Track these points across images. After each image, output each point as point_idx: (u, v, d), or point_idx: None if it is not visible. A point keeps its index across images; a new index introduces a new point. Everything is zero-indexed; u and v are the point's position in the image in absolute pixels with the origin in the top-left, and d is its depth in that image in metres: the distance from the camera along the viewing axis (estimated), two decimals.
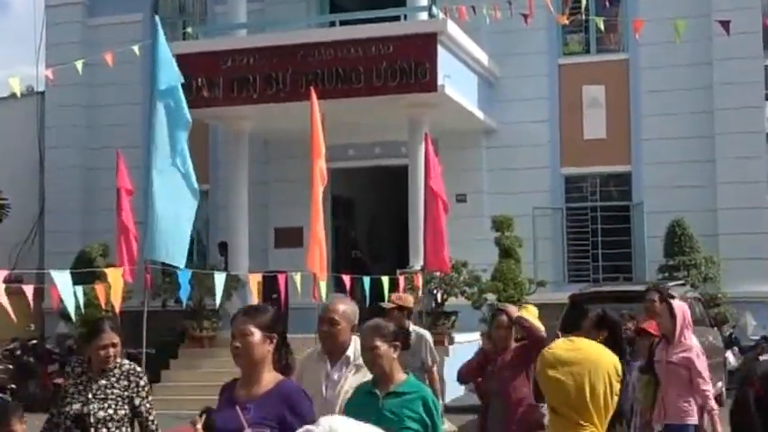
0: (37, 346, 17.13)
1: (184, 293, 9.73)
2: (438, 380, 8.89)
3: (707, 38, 18.03)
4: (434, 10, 17.14)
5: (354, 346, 5.17)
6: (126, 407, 5.67)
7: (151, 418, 5.79)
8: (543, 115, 19.55)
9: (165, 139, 8.71)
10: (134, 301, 12.34)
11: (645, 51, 18.84)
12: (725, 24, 12.84)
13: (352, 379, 5.13)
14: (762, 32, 17.75)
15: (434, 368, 8.80)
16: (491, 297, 16.16)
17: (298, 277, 11.71)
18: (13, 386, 16.00)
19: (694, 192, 18.48)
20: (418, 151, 16.01)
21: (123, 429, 5.68)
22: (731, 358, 15.80)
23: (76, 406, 5.62)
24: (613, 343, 6.72)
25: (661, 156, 18.70)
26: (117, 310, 9.32)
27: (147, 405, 5.77)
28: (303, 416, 4.06)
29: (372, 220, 22.84)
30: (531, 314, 7.20)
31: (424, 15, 17.44)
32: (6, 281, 7.60)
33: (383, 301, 9.88)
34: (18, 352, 16.75)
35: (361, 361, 5.00)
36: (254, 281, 11.22)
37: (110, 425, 5.62)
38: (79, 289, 8.46)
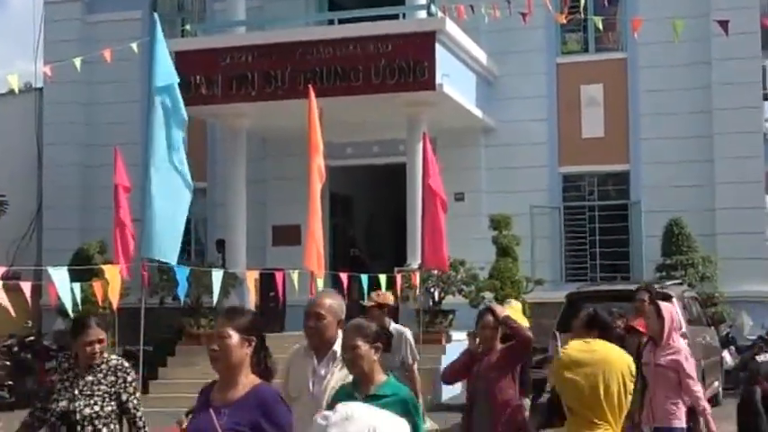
0: (34, 343, 17.11)
1: (182, 291, 9.71)
2: (418, 378, 8.73)
3: (705, 38, 18.03)
4: (433, 8, 17.13)
5: (341, 341, 5.13)
6: (113, 403, 5.64)
7: (139, 414, 5.76)
8: (541, 114, 19.55)
9: (161, 136, 8.70)
10: (132, 299, 12.32)
11: (643, 51, 18.85)
12: (723, 24, 12.82)
13: (339, 374, 5.08)
14: (760, 32, 17.75)
15: (415, 366, 8.69)
16: (488, 295, 16.15)
17: (295, 275, 11.67)
18: (11, 383, 16.01)
19: (692, 191, 18.49)
20: (416, 149, 16.00)
21: (111, 426, 5.65)
22: (728, 358, 15.81)
23: (63, 403, 5.59)
24: None
25: (659, 155, 18.71)
26: (114, 307, 9.34)
27: (135, 401, 5.74)
28: (278, 422, 3.98)
29: (370, 218, 22.83)
30: (514, 310, 7.15)
31: (422, 14, 17.44)
32: (4, 277, 7.59)
33: None
34: (15, 349, 16.74)
35: None
36: (252, 278, 11.19)
37: (96, 422, 5.59)
38: (77, 286, 8.46)
